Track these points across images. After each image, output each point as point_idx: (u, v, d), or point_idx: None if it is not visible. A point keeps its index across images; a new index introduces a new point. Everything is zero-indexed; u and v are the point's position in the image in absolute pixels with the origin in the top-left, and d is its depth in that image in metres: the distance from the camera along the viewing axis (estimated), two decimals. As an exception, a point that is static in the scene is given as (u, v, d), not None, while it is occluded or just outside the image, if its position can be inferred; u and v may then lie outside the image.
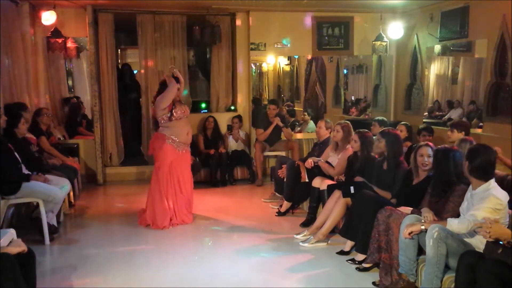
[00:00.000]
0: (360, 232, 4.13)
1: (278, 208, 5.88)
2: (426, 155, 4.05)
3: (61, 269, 4.21)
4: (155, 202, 5.37)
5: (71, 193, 5.96)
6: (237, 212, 6.04)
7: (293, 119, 9.13)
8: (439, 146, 3.93)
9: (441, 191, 3.67)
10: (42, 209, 4.69)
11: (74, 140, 7.59)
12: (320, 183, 5.17)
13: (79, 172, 6.68)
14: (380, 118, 6.44)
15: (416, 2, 7.14)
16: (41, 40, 7.20)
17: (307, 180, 5.45)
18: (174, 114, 5.38)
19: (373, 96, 8.92)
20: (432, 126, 5.92)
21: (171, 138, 5.38)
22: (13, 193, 4.54)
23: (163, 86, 5.42)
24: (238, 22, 7.84)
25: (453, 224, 3.22)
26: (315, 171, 5.45)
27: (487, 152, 3.27)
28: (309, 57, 9.19)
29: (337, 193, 4.72)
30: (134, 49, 9.02)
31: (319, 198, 5.18)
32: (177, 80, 5.41)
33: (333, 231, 4.76)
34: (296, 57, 9.74)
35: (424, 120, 7.40)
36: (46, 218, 4.74)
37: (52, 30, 7.06)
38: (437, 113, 7.70)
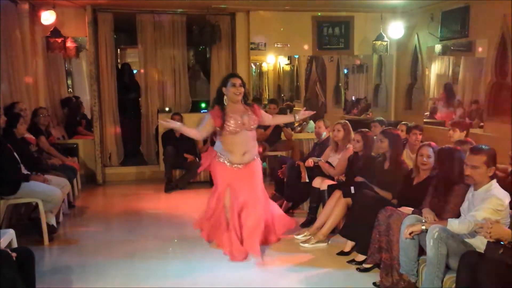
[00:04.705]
0: (361, 232, 4.11)
1: (278, 208, 5.85)
2: (426, 155, 4.03)
3: (60, 269, 4.20)
4: (224, 231, 4.49)
5: (71, 193, 5.95)
6: (237, 212, 6.01)
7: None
8: (443, 146, 3.91)
9: (443, 192, 3.66)
10: (41, 209, 4.67)
11: (73, 140, 7.57)
12: (320, 183, 5.15)
13: (79, 172, 6.67)
14: (379, 118, 6.45)
15: (417, 2, 7.11)
16: (41, 40, 7.19)
17: (307, 180, 5.43)
18: (225, 126, 4.33)
19: (373, 96, 8.90)
20: (433, 126, 5.89)
21: (222, 156, 4.43)
22: (12, 193, 4.53)
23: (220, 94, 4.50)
24: (238, 22, 7.82)
25: (453, 224, 3.20)
26: (316, 171, 5.44)
27: None
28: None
29: (337, 193, 4.71)
30: (134, 49, 9.01)
31: (320, 198, 5.16)
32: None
33: (333, 232, 4.74)
34: (296, 56, 9.73)
35: (425, 120, 7.38)
36: (45, 218, 4.72)
37: (51, 29, 7.06)
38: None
